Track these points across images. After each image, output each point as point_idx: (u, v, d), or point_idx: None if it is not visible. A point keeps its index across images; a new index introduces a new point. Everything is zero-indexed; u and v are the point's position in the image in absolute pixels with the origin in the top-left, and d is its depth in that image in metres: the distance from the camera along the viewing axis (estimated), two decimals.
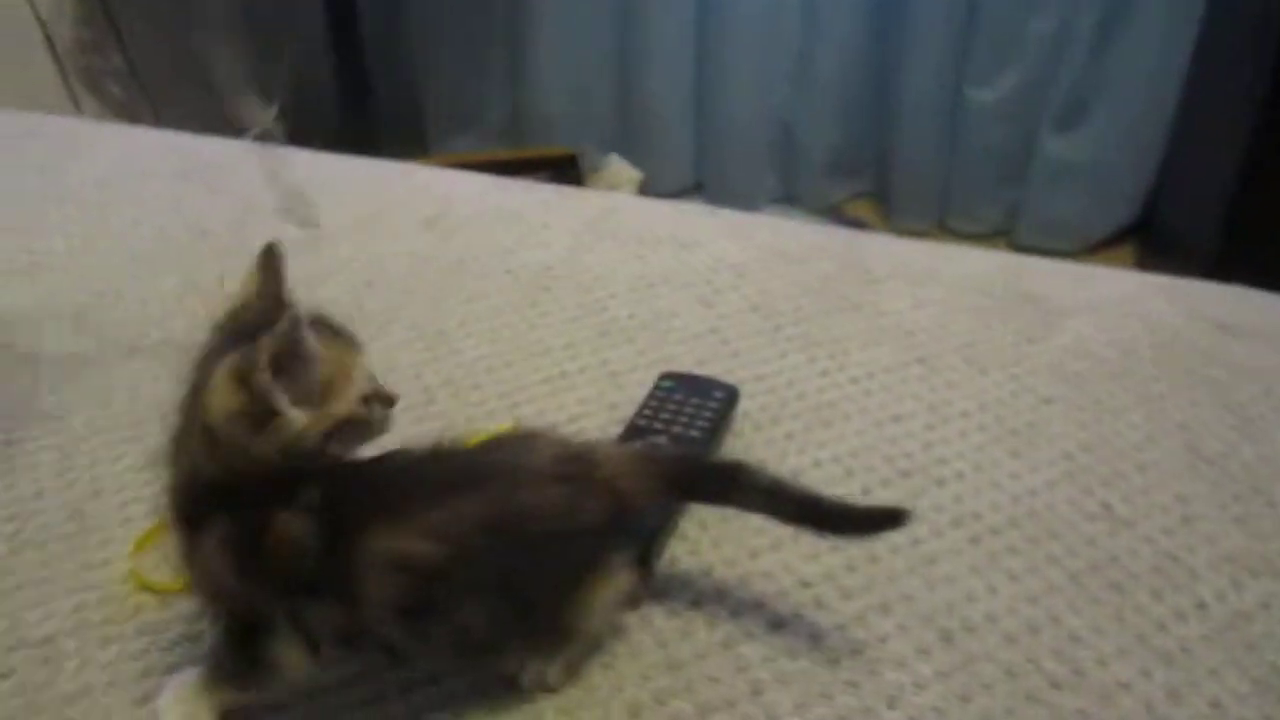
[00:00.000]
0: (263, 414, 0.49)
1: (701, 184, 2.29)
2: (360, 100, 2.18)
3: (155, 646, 0.61)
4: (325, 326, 0.54)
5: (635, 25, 2.16)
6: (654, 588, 0.63)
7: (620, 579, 0.56)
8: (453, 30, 2.26)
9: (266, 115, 2.01)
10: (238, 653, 0.53)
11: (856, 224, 2.17)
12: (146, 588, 0.64)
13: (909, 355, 0.84)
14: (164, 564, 0.65)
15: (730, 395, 0.75)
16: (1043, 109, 2.04)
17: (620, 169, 2.01)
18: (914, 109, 2.11)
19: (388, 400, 0.56)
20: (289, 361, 0.49)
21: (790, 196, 2.29)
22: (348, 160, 1.20)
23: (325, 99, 2.31)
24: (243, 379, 0.49)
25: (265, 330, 0.49)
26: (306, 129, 2.05)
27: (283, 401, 0.49)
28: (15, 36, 1.91)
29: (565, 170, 2.21)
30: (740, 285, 0.92)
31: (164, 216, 1.06)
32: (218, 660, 0.55)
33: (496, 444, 0.56)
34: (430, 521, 0.50)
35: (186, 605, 0.63)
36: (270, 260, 0.57)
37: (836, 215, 2.24)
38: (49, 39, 1.90)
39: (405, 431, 0.75)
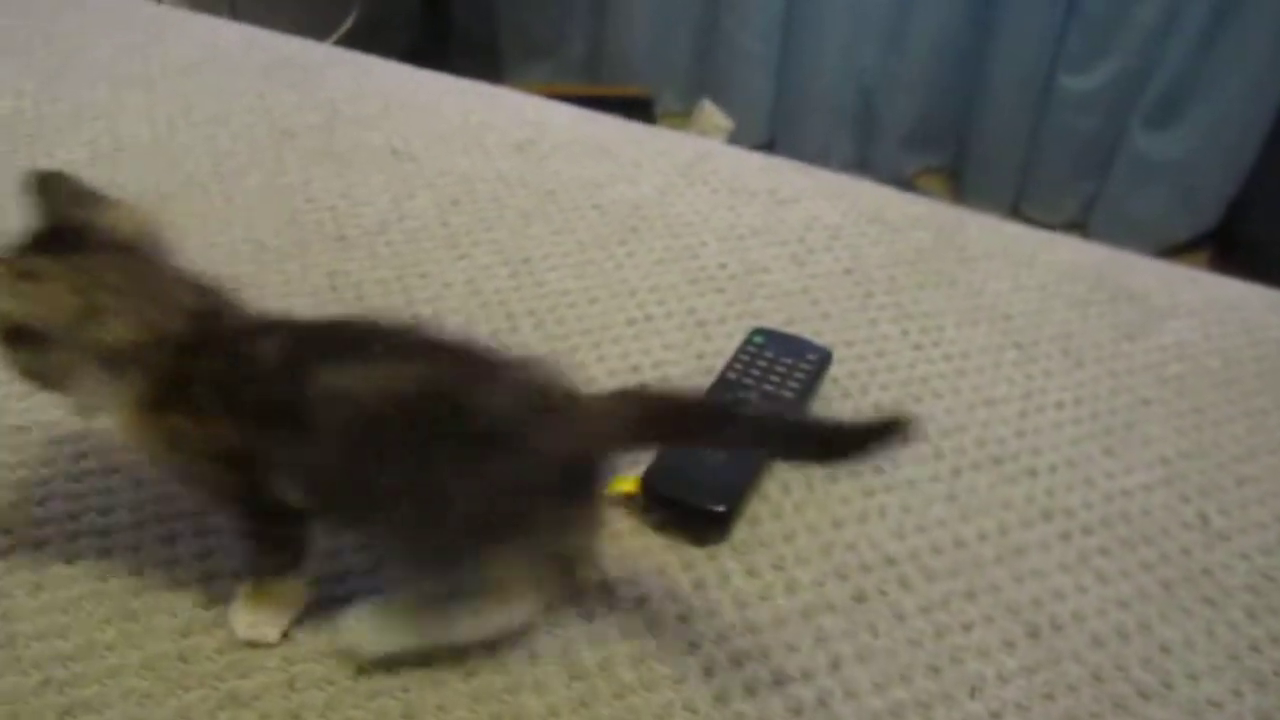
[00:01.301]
0: None
1: (774, 141, 2.24)
2: (438, 18, 2.14)
3: (217, 548, 0.60)
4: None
5: None
6: (735, 545, 0.61)
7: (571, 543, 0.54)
8: None
9: None
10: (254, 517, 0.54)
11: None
12: None
13: (1004, 339, 0.81)
14: None
15: (823, 358, 0.73)
16: (1136, 103, 1.98)
17: (711, 115, 1.97)
18: (1002, 89, 2.06)
19: None
20: None
21: (862, 163, 2.24)
22: (434, 76, 1.17)
23: (402, 13, 2.28)
24: None
25: None
26: (380, 41, 2.02)
27: None
28: None
29: (638, 111, 2.17)
30: (834, 247, 0.89)
31: (248, 113, 1.04)
32: (246, 550, 0.55)
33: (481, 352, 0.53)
34: (379, 371, 0.50)
35: None
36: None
37: (908, 187, 2.20)
38: None
39: None
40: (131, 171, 0.93)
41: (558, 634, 0.56)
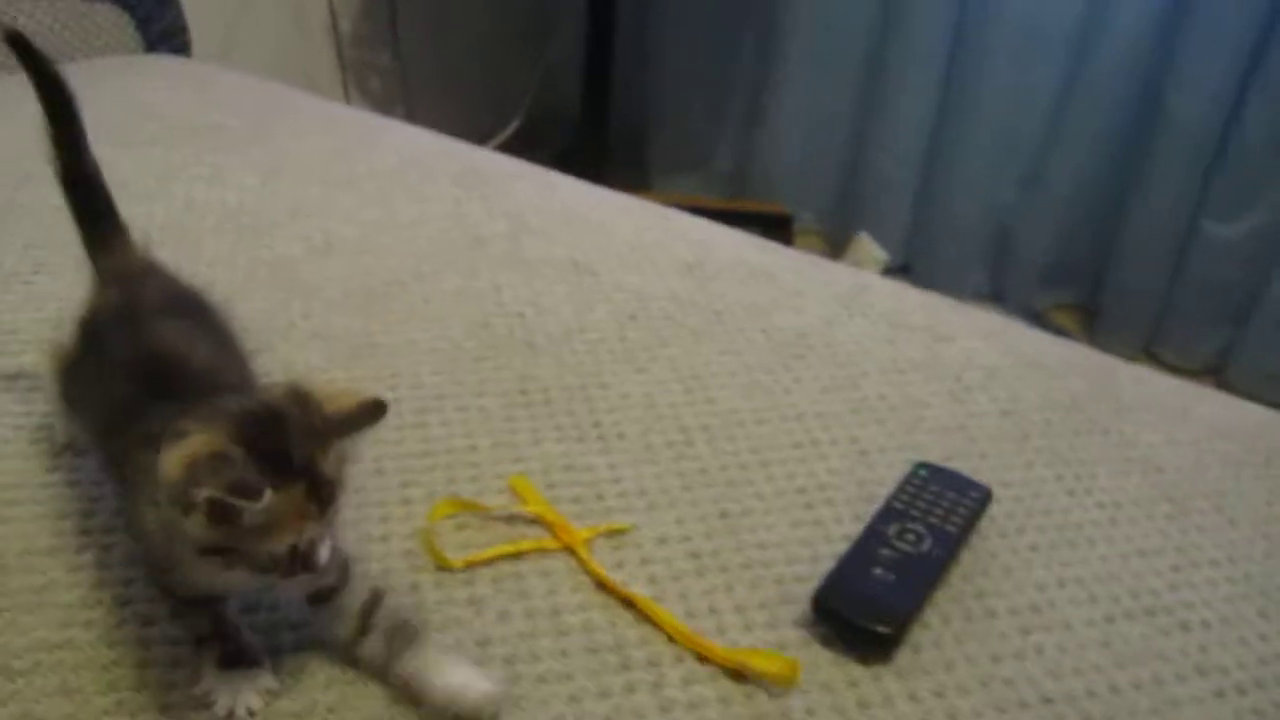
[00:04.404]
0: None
1: (909, 266, 2.29)
2: (598, 125, 2.26)
3: (428, 624, 0.65)
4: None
5: (876, 101, 2.20)
6: (898, 668, 0.65)
7: None
8: (698, 71, 2.34)
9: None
10: None
11: (1060, 334, 2.14)
12: (434, 554, 0.69)
13: (1157, 492, 0.84)
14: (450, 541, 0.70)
15: (984, 496, 0.76)
16: None
17: (868, 246, 2.05)
18: (1141, 232, 2.07)
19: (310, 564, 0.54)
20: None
21: (995, 294, 2.27)
22: (609, 194, 1.26)
23: (563, 119, 2.40)
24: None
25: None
26: (540, 144, 2.15)
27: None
28: (302, 21, 2.06)
29: (776, 228, 2.25)
30: (990, 387, 0.93)
31: (443, 219, 1.13)
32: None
33: None
34: None
35: (460, 587, 0.68)
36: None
37: (1040, 321, 2.21)
38: (335, 28, 2.04)
39: (665, 467, 0.79)
40: (340, 267, 1.02)
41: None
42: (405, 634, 0.60)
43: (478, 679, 0.59)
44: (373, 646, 0.60)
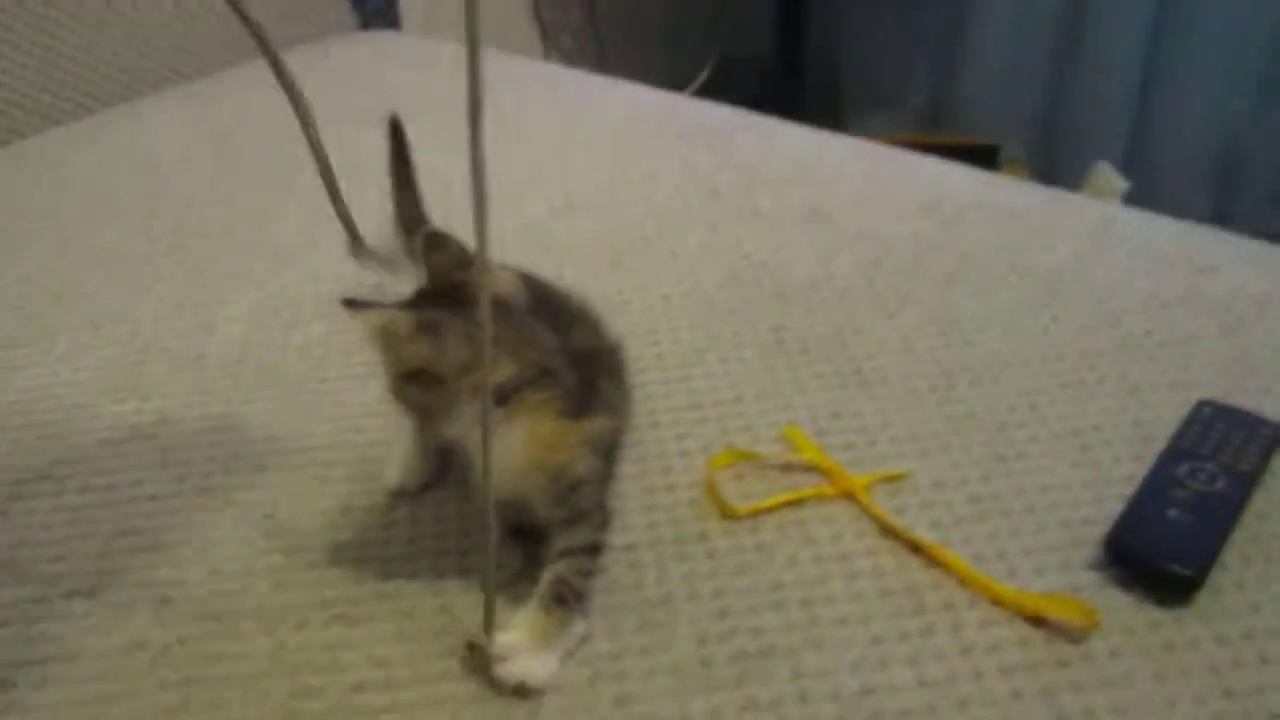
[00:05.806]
0: None
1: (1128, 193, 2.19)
2: (791, 68, 2.24)
3: (722, 570, 0.68)
4: None
5: (1084, 20, 2.09)
6: (1199, 612, 0.64)
7: None
8: (891, 5, 2.28)
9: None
10: None
11: None
12: (719, 504, 0.72)
13: None
14: (730, 491, 0.73)
15: (1276, 433, 0.74)
16: None
17: (1108, 176, 1.96)
18: None
19: None
20: None
21: (1221, 219, 2.14)
22: (832, 137, 1.25)
23: (753, 62, 2.38)
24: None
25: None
26: (733, 88, 2.14)
27: None
28: None
29: (983, 161, 2.18)
30: (1264, 317, 0.89)
31: (676, 174, 1.15)
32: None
33: None
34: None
35: (747, 534, 0.70)
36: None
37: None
38: None
39: (932, 411, 0.80)
40: (586, 227, 1.06)
41: (1040, 676, 0.60)
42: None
43: None
44: None
